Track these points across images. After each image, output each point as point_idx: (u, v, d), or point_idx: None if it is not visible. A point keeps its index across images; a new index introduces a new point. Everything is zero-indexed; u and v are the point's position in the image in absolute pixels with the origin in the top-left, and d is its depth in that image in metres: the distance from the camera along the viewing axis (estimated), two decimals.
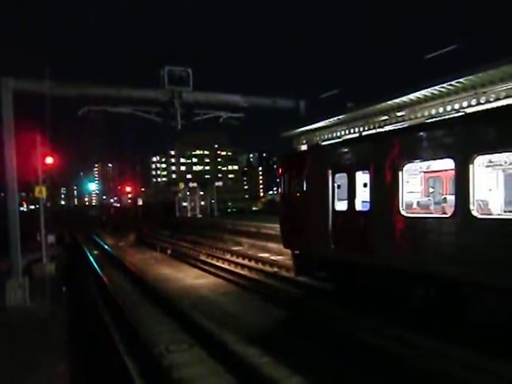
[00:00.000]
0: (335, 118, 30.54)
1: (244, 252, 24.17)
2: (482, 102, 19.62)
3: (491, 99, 19.09)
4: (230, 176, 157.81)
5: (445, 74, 20.92)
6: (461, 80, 20.39)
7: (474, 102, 20.16)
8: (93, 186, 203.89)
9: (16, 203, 14.53)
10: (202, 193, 68.97)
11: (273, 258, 20.69)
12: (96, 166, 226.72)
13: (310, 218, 12.33)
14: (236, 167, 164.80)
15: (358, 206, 10.87)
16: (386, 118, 25.26)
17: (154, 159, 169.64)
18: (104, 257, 26.22)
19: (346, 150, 11.84)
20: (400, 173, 9.25)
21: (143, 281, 16.68)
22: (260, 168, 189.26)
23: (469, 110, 18.00)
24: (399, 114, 24.37)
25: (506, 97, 18.07)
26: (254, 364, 7.79)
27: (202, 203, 69.68)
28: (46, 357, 8.50)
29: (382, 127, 25.06)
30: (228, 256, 23.54)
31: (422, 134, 9.30)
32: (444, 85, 21.26)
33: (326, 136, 32.55)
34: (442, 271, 8.34)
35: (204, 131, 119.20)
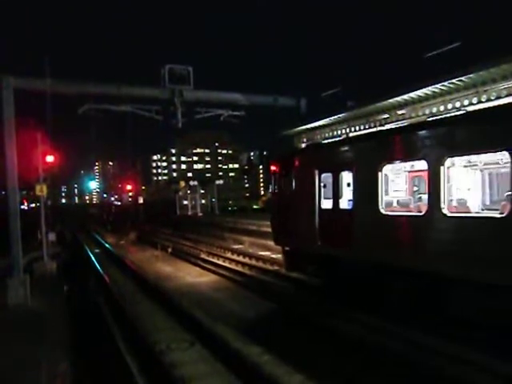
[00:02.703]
0: (335, 117, 30.58)
1: (245, 250, 24.19)
2: (483, 100, 19.63)
3: (492, 97, 19.10)
4: (230, 174, 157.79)
5: (446, 73, 20.91)
6: (462, 78, 20.41)
7: (475, 100, 20.18)
8: (93, 184, 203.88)
9: (17, 201, 14.51)
10: (202, 191, 68.96)
11: (273, 256, 20.70)
12: (97, 164, 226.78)
13: (299, 215, 12.92)
14: (237, 165, 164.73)
15: (342, 205, 11.43)
16: (386, 116, 25.26)
17: (155, 157, 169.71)
18: (105, 255, 26.25)
19: (331, 151, 12.75)
20: (380, 173, 9.81)
21: (144, 279, 16.70)
22: (261, 166, 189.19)
23: (470, 108, 18.07)
24: (400, 112, 24.40)
25: (508, 95, 18.06)
26: (254, 362, 7.80)
27: (203, 202, 69.66)
28: (46, 355, 8.50)
29: (383, 125, 25.10)
30: (229, 254, 23.55)
31: (398, 137, 10.07)
32: (445, 83, 21.28)
33: (326, 134, 32.59)
34: (417, 266, 8.85)
35: (205, 129, 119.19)
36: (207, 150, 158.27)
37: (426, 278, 8.72)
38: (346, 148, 11.90)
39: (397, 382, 7.19)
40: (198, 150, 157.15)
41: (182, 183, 70.31)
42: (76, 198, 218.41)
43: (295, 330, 10.06)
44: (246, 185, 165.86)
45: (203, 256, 23.20)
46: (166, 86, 15.96)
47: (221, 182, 78.17)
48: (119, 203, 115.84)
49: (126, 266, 20.36)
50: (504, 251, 7.20)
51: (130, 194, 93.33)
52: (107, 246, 30.73)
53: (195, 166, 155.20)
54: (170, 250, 25.71)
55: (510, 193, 7.41)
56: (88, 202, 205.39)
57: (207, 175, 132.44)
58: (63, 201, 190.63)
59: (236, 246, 26.53)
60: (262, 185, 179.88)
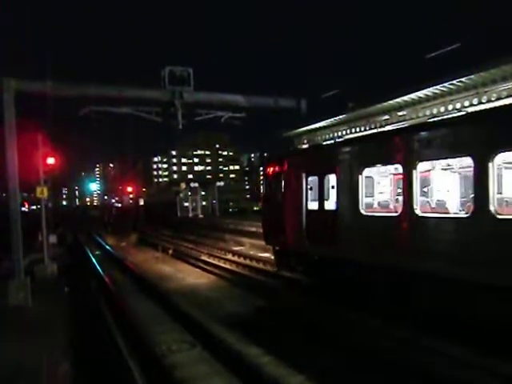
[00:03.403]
0: (334, 119, 30.61)
1: (245, 252, 24.18)
2: (484, 101, 19.63)
3: (493, 98, 19.10)
4: (231, 176, 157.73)
5: (446, 74, 20.93)
6: (462, 79, 20.43)
7: (475, 101, 20.18)
8: (94, 186, 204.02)
9: (18, 203, 14.54)
10: (203, 193, 69.00)
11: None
12: (97, 166, 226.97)
13: (288, 216, 13.58)
14: (237, 167, 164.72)
15: (327, 206, 12.03)
16: (387, 117, 25.26)
17: (156, 159, 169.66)
18: (106, 257, 26.24)
19: (317, 155, 13.54)
20: (360, 176, 10.48)
21: (145, 280, 16.70)
22: (261, 168, 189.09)
23: (471, 109, 18.20)
24: (400, 113, 24.42)
25: (508, 96, 18.06)
26: (255, 363, 7.80)
27: (204, 203, 69.69)
28: (47, 357, 8.50)
29: (383, 127, 25.11)
30: (229, 256, 23.54)
31: (376, 142, 10.85)
32: (445, 84, 21.30)
33: (325, 136, 32.60)
34: (393, 264, 9.52)
35: (205, 131, 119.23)
36: (208, 152, 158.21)
37: (403, 275, 9.30)
38: (330, 152, 12.68)
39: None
40: (199, 152, 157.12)
41: (183, 185, 70.35)
42: (77, 200, 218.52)
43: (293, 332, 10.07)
44: (247, 186, 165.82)
45: (204, 258, 23.19)
46: (166, 87, 15.98)
47: (221, 183, 78.18)
48: (120, 205, 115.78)
49: (127, 268, 20.36)
50: (468, 248, 7.88)
51: (131, 195, 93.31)
52: (108, 247, 30.74)
53: (196, 168, 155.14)
54: (170, 251, 25.71)
55: (473, 195, 8.02)
56: (89, 203, 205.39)
57: (208, 177, 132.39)
58: (64, 203, 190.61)
59: (237, 248, 26.50)
60: (262, 186, 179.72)
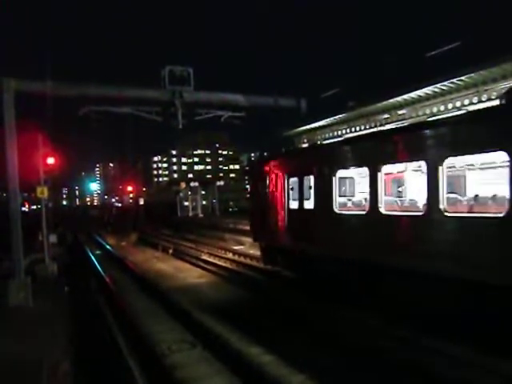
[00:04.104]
0: (334, 118, 30.65)
1: (245, 251, 24.17)
2: (484, 99, 19.63)
3: (493, 97, 19.10)
4: (231, 175, 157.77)
5: (446, 72, 20.95)
6: (462, 78, 20.45)
7: (475, 99, 20.19)
8: (94, 186, 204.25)
9: (18, 203, 14.53)
10: (203, 192, 68.97)
11: None
12: (97, 165, 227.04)
13: (272, 215, 14.68)
14: (237, 166, 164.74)
15: (306, 205, 12.95)
16: (387, 116, 25.28)
17: (156, 159, 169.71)
18: (106, 256, 26.26)
19: (297, 158, 14.66)
20: (334, 178, 11.45)
21: (145, 280, 16.71)
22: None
23: (471, 108, 18.36)
24: (400, 112, 24.43)
25: None
26: (256, 363, 7.80)
27: (204, 203, 69.67)
28: (48, 357, 8.51)
29: (384, 125, 25.13)
30: (230, 255, 23.56)
31: (346, 147, 11.82)
32: (445, 83, 21.32)
33: (325, 135, 32.63)
34: (365, 258, 10.41)
35: (205, 130, 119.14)
36: (208, 151, 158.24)
37: (373, 268, 10.16)
38: (308, 156, 13.82)
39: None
40: (199, 151, 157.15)
41: (183, 184, 70.25)
42: (77, 200, 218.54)
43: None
44: (247, 186, 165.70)
45: (205, 257, 23.20)
46: (166, 87, 15.97)
47: (221, 183, 78.00)
48: (120, 205, 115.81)
49: (127, 267, 20.37)
50: (425, 242, 8.83)
51: (131, 195, 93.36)
52: (108, 247, 30.75)
53: (196, 167, 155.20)
54: (170, 251, 25.73)
55: (426, 196, 8.90)
56: (89, 203, 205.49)
57: (208, 176, 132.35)
58: (64, 203, 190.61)
59: (237, 247, 26.51)
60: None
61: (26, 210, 62.65)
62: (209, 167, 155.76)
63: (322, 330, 9.94)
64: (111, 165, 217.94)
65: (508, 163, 7.35)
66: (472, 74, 19.45)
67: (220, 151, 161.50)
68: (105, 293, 14.93)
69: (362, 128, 27.48)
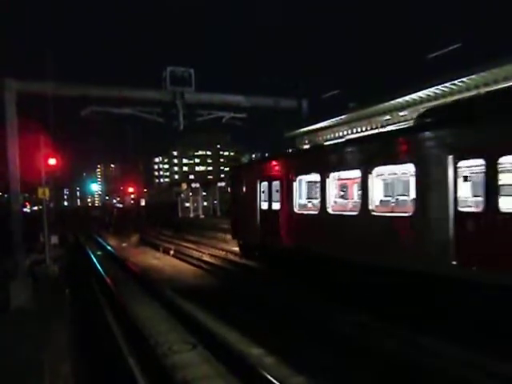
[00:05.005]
0: (335, 119, 30.65)
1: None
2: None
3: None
4: None
5: (448, 74, 20.92)
6: (464, 79, 20.42)
7: None
8: (95, 187, 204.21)
9: (19, 204, 14.57)
10: (204, 193, 68.93)
11: None
12: (98, 166, 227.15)
13: (247, 215, 16.59)
14: None
15: (273, 206, 14.94)
16: (388, 117, 25.25)
17: (157, 160, 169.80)
18: (107, 258, 26.22)
19: (267, 165, 16.63)
20: (294, 183, 13.61)
21: (145, 280, 16.71)
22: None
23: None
24: (402, 113, 24.41)
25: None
26: (256, 364, 7.79)
27: (205, 204, 69.63)
28: (48, 357, 8.51)
29: (385, 127, 25.10)
30: (231, 257, 23.51)
31: (302, 157, 14.88)
32: (447, 84, 21.29)
33: (326, 136, 32.61)
34: (314, 250, 12.54)
35: (206, 131, 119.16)
36: (209, 152, 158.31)
37: (323, 259, 12.08)
38: (275, 163, 15.72)
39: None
40: (200, 152, 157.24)
41: (184, 185, 70.23)
42: (78, 201, 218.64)
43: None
44: None
45: (206, 258, 23.17)
46: (167, 88, 16.00)
47: (223, 184, 77.96)
48: (121, 205, 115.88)
49: (128, 268, 20.35)
50: (359, 237, 10.78)
51: (132, 196, 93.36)
52: (109, 248, 30.72)
53: (197, 168, 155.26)
54: (171, 252, 25.72)
55: (360, 198, 10.97)
56: (90, 204, 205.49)
57: (209, 177, 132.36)
58: (65, 203, 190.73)
59: (238, 248, 26.43)
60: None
61: (28, 210, 62.65)
62: (210, 168, 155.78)
63: (275, 306, 12.01)
64: (112, 166, 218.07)
65: (414, 173, 9.47)
66: (473, 76, 19.42)
67: (221, 152, 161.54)
68: (106, 294, 14.91)
69: (364, 129, 27.47)
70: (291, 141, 35.39)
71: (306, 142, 34.38)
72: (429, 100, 22.39)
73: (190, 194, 67.50)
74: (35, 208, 61.90)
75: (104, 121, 16.89)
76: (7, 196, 15.27)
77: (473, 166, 8.71)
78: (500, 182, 7.77)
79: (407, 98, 23.30)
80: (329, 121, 30.50)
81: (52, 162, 19.35)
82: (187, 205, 67.32)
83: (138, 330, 10.20)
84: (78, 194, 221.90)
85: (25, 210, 47.12)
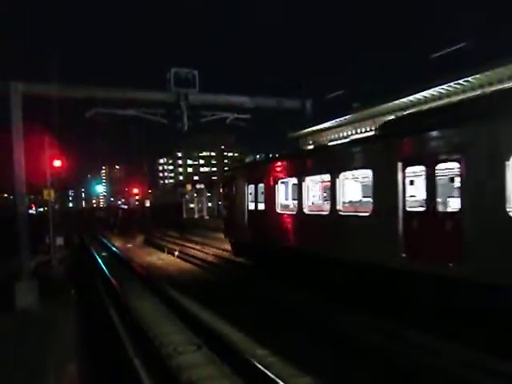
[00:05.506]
0: (340, 119, 30.57)
1: None
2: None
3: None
4: None
5: (452, 73, 20.82)
6: (468, 79, 20.31)
7: None
8: (100, 188, 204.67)
9: (25, 206, 14.63)
10: (209, 194, 68.94)
11: None
12: (103, 168, 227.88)
13: (237, 215, 17.89)
14: None
15: (259, 207, 16.23)
16: (393, 117, 25.15)
17: (161, 161, 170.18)
18: (112, 259, 26.30)
19: (252, 169, 18.30)
20: (276, 185, 15.04)
21: (151, 282, 16.75)
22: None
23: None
24: (405, 113, 24.30)
25: None
26: (261, 364, 7.78)
27: (210, 204, 69.65)
28: (54, 360, 8.55)
29: None
30: (234, 257, 23.47)
31: (280, 162, 15.89)
32: (451, 84, 21.19)
33: (332, 136, 32.55)
34: (296, 246, 13.94)
35: (210, 133, 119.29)
36: (213, 153, 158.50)
37: (302, 254, 13.39)
38: (259, 167, 17.41)
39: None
40: (204, 153, 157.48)
41: (189, 186, 70.28)
42: (83, 202, 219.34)
43: None
44: None
45: (211, 259, 23.19)
46: (171, 89, 16.03)
47: None
48: (126, 207, 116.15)
49: (133, 270, 20.40)
50: (326, 234, 12.25)
51: (137, 197, 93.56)
52: (114, 249, 30.81)
53: (201, 169, 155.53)
54: (176, 253, 25.77)
55: (330, 199, 12.38)
56: (95, 205, 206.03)
57: (213, 178, 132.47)
58: (70, 205, 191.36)
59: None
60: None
61: (33, 212, 62.91)
62: (214, 169, 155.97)
63: (259, 294, 13.54)
64: (117, 167, 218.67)
65: (371, 178, 10.76)
66: (478, 75, 19.34)
67: (225, 153, 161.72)
68: (111, 294, 14.97)
69: (368, 129, 27.40)
70: (295, 141, 35.36)
71: (310, 142, 34.34)
72: (433, 100, 22.29)
73: (195, 194, 67.54)
74: (41, 209, 62.15)
75: (108, 122, 16.99)
76: (13, 198, 15.35)
77: (417, 172, 9.95)
78: (437, 185, 9.12)
79: (411, 97, 23.22)
80: (333, 121, 30.48)
81: (57, 163, 19.48)
82: (192, 206, 67.36)
83: (143, 332, 10.24)
84: (83, 195, 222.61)
85: (30, 211, 47.34)
